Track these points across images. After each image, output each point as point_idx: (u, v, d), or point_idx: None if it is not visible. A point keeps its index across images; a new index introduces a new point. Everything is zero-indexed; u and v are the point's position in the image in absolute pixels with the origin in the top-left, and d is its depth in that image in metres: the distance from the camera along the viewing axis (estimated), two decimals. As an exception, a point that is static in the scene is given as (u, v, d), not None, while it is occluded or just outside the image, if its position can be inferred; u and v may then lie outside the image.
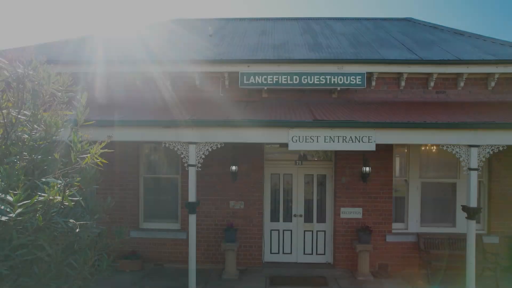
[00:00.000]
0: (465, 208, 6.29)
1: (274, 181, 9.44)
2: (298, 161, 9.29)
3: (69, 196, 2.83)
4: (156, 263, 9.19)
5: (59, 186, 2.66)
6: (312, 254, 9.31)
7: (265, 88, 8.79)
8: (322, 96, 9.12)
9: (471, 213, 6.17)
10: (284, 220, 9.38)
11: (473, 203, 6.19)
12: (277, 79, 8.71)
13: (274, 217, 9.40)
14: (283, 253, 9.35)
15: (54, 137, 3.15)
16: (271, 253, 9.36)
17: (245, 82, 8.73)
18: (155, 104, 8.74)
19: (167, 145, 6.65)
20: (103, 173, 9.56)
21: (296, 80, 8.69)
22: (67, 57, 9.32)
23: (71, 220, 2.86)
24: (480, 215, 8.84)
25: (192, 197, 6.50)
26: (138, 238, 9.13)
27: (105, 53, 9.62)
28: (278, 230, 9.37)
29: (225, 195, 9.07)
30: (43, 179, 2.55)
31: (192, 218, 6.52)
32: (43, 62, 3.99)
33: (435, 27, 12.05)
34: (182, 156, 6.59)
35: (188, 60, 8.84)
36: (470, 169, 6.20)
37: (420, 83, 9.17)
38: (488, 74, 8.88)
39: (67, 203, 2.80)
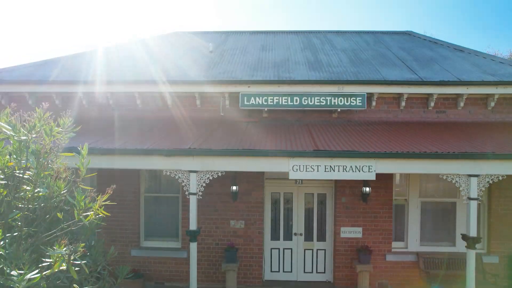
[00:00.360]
0: (465, 237, 6.33)
1: (275, 200, 9.47)
2: (298, 180, 9.31)
3: (74, 260, 2.86)
4: (157, 281, 9.23)
5: (63, 254, 2.69)
6: (312, 272, 9.34)
7: (266, 109, 8.81)
8: (322, 115, 9.15)
9: (471, 243, 6.20)
10: (285, 239, 9.41)
11: (473, 233, 6.22)
12: (277, 100, 8.73)
13: (275, 236, 9.43)
14: (284, 271, 9.38)
15: (57, 198, 3.17)
16: (271, 271, 9.39)
17: (245, 103, 8.76)
18: (156, 125, 8.75)
19: (168, 173, 6.68)
20: (103, 192, 9.57)
21: (296, 101, 8.71)
22: (62, 76, 9.29)
23: (75, 286, 2.88)
24: (480, 235, 8.89)
25: (193, 225, 6.52)
26: (139, 257, 9.16)
27: (102, 71, 9.60)
28: (279, 248, 9.40)
29: (226, 215, 9.10)
30: (47, 253, 2.57)
31: (193, 246, 6.55)
32: (45, 111, 4.02)
33: (435, 42, 12.06)
34: (183, 184, 6.61)
35: (189, 80, 8.85)
36: (470, 198, 6.23)
37: (420, 103, 9.20)
38: (488, 94, 8.91)
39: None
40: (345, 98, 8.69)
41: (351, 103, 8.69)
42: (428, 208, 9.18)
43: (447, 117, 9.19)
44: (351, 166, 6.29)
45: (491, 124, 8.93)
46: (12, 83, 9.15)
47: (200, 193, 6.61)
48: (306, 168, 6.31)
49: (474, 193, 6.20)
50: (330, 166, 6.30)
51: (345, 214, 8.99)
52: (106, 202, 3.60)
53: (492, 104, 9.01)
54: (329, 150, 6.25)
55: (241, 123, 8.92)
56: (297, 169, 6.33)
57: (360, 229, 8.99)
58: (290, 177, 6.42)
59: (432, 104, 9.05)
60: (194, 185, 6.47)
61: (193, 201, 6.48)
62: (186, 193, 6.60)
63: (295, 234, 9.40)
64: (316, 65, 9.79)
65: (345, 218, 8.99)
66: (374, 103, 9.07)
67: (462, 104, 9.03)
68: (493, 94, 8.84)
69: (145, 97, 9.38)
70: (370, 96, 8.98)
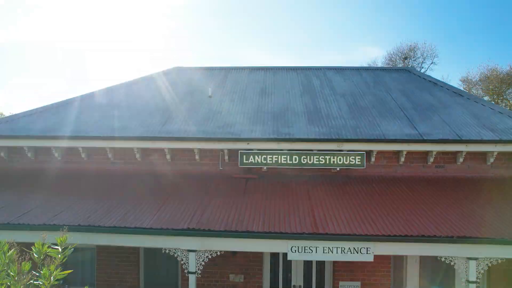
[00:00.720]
0: (462, 320, 6.35)
1: (274, 252, 9.46)
2: (297, 234, 9.31)
3: None
4: (157, 334, 9.28)
5: None
6: (311, 324, 9.38)
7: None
8: (322, 170, 9.14)
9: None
10: (284, 291, 9.45)
11: (471, 316, 6.24)
12: (276, 159, 8.76)
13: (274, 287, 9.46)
14: (283, 323, 9.42)
15: None
16: (270, 323, 9.44)
17: (244, 161, 8.79)
18: (155, 184, 8.75)
19: (167, 251, 6.69)
20: (103, 248, 9.55)
21: (295, 160, 8.74)
22: (60, 129, 9.21)
23: None
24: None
25: (192, 305, 6.54)
26: (139, 311, 9.20)
27: (101, 123, 9.56)
28: (278, 300, 9.44)
29: (225, 268, 9.11)
30: None
31: (192, 323, 6.57)
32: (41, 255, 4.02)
33: (434, 82, 12.03)
34: (182, 262, 6.63)
35: (188, 137, 8.84)
36: (468, 281, 6.24)
37: (420, 158, 9.21)
38: (487, 151, 8.91)
39: None
40: (344, 157, 8.71)
41: (350, 162, 8.71)
42: (427, 262, 9.19)
43: (446, 172, 9.20)
44: (349, 248, 6.31)
45: (490, 180, 8.94)
46: (11, 137, 9.14)
47: (200, 271, 6.62)
48: (305, 249, 6.33)
49: (473, 276, 6.21)
50: (329, 247, 6.32)
51: (343, 268, 9.00)
52: None
53: (491, 159, 9.02)
54: (328, 234, 6.27)
55: (241, 180, 8.92)
56: (295, 250, 6.35)
57: (358, 283, 9.01)
58: (289, 258, 6.44)
59: (432, 159, 9.06)
60: (193, 264, 6.48)
61: (192, 281, 6.49)
62: (185, 271, 6.62)
63: (294, 286, 9.43)
64: (315, 116, 9.76)
65: (343, 273, 9.00)
66: (373, 159, 9.08)
67: (461, 159, 9.04)
68: (492, 151, 8.84)
69: (145, 151, 9.39)
70: (369, 152, 8.99)
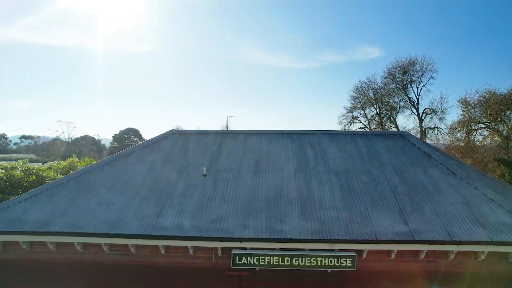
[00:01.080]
0: None
1: None
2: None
3: None
4: None
5: None
6: None
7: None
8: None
9: None
10: None
11: None
12: (269, 260, 8.87)
13: None
14: None
15: None
16: None
17: (237, 262, 8.90)
18: (148, 281, 8.86)
19: None
20: None
21: (287, 261, 8.86)
22: (54, 223, 9.26)
23: None
24: None
25: None
26: None
27: (89, 214, 9.56)
28: None
29: None
30: None
31: None
32: None
33: (429, 154, 12.06)
34: None
35: (181, 236, 8.91)
36: None
37: (411, 253, 9.33)
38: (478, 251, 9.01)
39: None
40: (336, 259, 8.82)
41: (342, 264, 8.82)
42: None
43: (437, 266, 9.31)
44: None
45: (480, 278, 9.04)
46: (5, 233, 9.21)
47: None
48: None
49: None
50: None
51: None
52: None
53: (482, 257, 9.13)
54: None
55: (234, 278, 9.04)
56: None
57: None
58: None
59: (423, 256, 9.17)
60: None
61: None
62: None
63: None
64: (308, 206, 9.79)
65: None
66: (365, 255, 9.19)
67: (452, 256, 9.15)
68: (483, 251, 8.95)
69: (140, 245, 9.49)
70: (361, 251, 9.10)
